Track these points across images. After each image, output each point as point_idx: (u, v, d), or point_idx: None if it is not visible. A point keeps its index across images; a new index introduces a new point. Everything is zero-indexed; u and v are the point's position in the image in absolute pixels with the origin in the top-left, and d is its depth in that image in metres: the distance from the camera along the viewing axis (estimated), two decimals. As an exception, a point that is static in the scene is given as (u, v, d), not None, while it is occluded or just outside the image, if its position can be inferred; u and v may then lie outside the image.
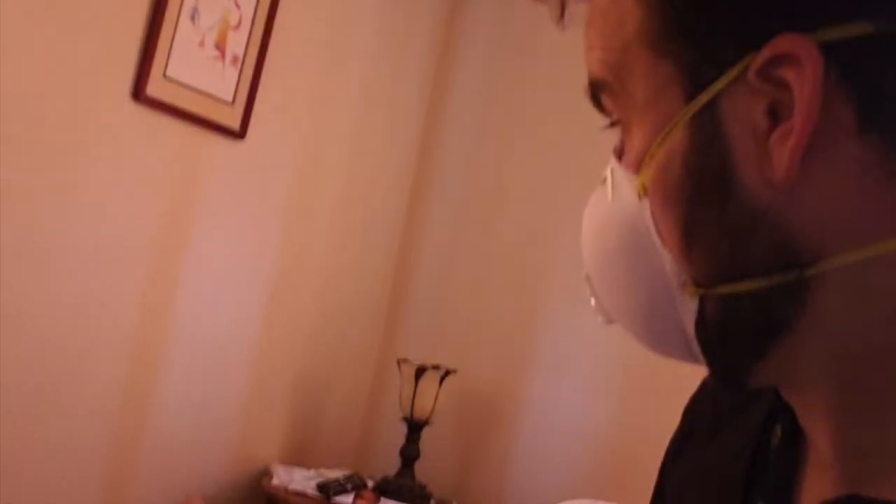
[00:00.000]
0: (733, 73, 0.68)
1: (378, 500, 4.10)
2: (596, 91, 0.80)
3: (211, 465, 4.06)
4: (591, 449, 4.27)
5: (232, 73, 3.83)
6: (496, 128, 4.83)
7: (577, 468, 4.29)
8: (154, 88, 3.54)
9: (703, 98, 0.70)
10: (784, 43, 0.65)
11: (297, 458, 4.52)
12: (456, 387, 4.45)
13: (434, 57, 5.00)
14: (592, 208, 0.85)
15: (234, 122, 3.86)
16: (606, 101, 0.80)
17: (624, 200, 0.78)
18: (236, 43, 3.81)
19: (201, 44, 3.67)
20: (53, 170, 3.30)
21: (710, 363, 0.77)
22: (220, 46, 3.75)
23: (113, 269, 3.52)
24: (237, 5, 3.79)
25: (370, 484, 4.32)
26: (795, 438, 0.78)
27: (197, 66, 3.69)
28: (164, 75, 3.56)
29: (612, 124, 0.82)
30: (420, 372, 4.28)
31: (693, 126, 0.71)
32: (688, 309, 0.75)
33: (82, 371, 3.48)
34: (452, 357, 4.52)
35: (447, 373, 4.34)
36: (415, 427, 4.36)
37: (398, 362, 4.46)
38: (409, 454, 4.37)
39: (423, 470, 4.39)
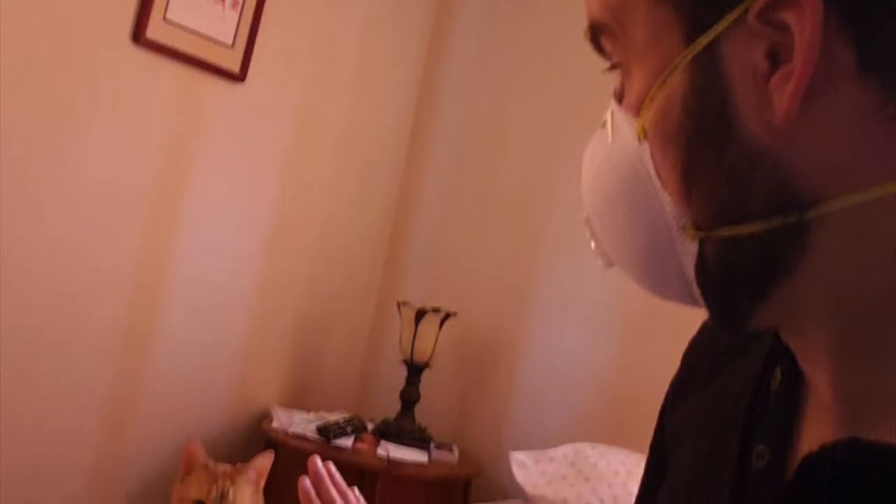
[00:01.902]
0: (733, 15, 0.67)
1: (378, 442, 4.12)
2: (596, 34, 0.79)
3: (211, 408, 4.08)
4: (590, 392, 4.28)
5: (232, 16, 3.81)
6: (497, 70, 4.81)
7: (577, 411, 4.30)
8: (154, 31, 3.53)
9: (703, 41, 0.69)
10: (784, -15, 0.65)
11: (297, 400, 4.53)
12: (456, 330, 4.46)
13: (435, 1, 4.97)
14: (592, 151, 0.85)
15: (234, 65, 3.85)
16: (606, 43, 0.79)
17: (624, 143, 0.78)
18: (236, -15, 3.81)
19: (201, -14, 3.67)
20: (54, 113, 3.29)
21: (710, 306, 0.77)
22: (220, -11, 3.74)
23: (113, 211, 3.52)
24: (235, -54, 3.77)
25: (370, 426, 4.33)
26: (795, 381, 0.78)
27: (197, 8, 3.68)
28: (164, 18, 3.55)
29: (612, 67, 0.82)
30: (420, 315, 4.29)
31: (693, 69, 0.71)
32: (688, 252, 0.75)
33: (82, 313, 3.49)
34: (452, 300, 4.53)
35: (447, 315, 4.34)
36: (415, 370, 4.37)
37: (398, 305, 4.46)
38: (409, 397, 4.39)
39: (423, 412, 4.41)
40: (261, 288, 4.24)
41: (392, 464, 3.96)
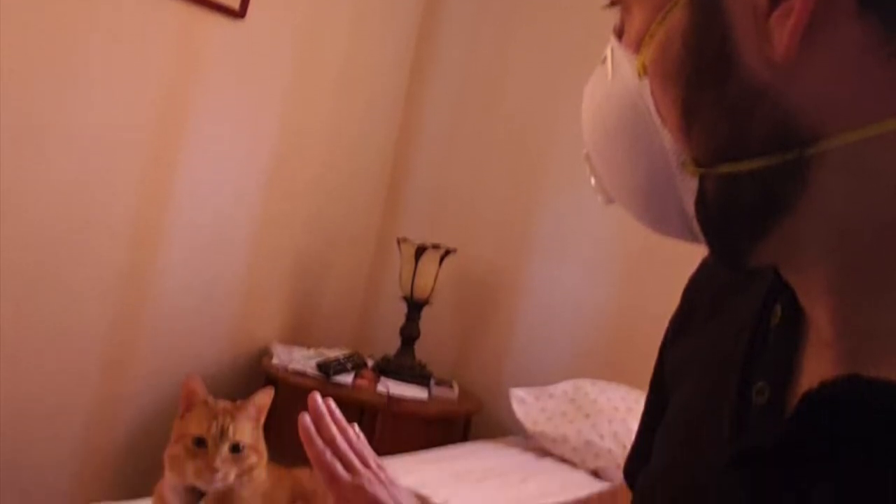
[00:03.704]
0: None
1: (378, 379, 4.14)
2: (596, -30, 0.79)
3: (210, 345, 4.09)
4: (590, 328, 4.29)
5: (232, -50, 3.79)
6: (497, 7, 4.78)
7: (577, 347, 4.31)
8: (152, -34, 3.51)
9: None
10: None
11: (297, 337, 4.55)
12: (456, 266, 4.46)
13: (434, -65, 4.94)
14: (592, 88, 0.85)
15: (234, 1, 3.83)
16: (607, -21, 0.79)
17: (624, 80, 0.78)
18: (234, -81, 3.78)
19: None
20: (53, 51, 3.28)
21: (710, 242, 0.77)
22: (217, -78, 3.72)
23: (112, 149, 3.51)
24: None
25: (370, 363, 4.35)
26: (795, 318, 0.78)
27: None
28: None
29: (612, 4, 0.82)
30: (420, 251, 4.28)
31: (693, 5, 0.71)
32: (688, 188, 0.75)
33: (82, 252, 3.49)
34: (452, 236, 4.53)
35: (447, 252, 4.34)
36: (414, 306, 4.38)
37: (398, 241, 4.46)
38: (409, 333, 4.40)
39: (423, 349, 4.42)
40: (261, 225, 4.24)
41: (392, 400, 3.98)
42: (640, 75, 0.76)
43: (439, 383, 4.30)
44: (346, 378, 4.08)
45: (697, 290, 1.02)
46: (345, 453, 1.33)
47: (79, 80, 3.38)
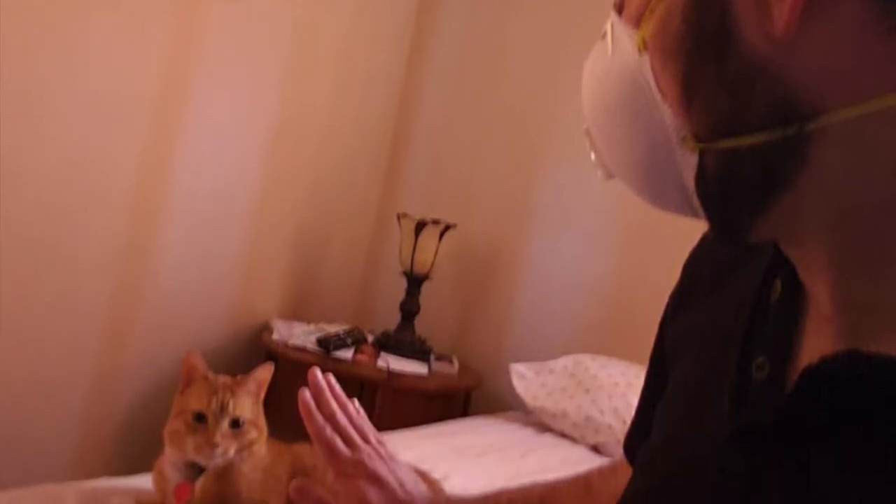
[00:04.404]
0: None
1: (378, 354, 4.14)
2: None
3: (211, 320, 4.09)
4: (590, 303, 4.29)
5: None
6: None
7: (577, 323, 4.32)
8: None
9: None
10: None
11: (297, 312, 4.55)
12: (456, 242, 4.46)
13: None
14: (592, 63, 0.85)
15: (234, -25, 3.82)
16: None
17: (624, 55, 0.78)
18: None
19: None
20: (52, 23, 3.27)
21: (710, 217, 0.77)
22: None
23: (113, 123, 3.51)
24: None
25: (370, 338, 4.35)
26: (795, 293, 0.79)
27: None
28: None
29: (613, -22, 0.81)
30: (420, 226, 4.28)
31: (693, -20, 0.70)
32: (688, 163, 0.75)
33: (82, 225, 3.49)
34: (452, 212, 4.53)
35: (447, 227, 4.34)
36: (414, 281, 4.38)
37: (398, 216, 4.46)
38: (409, 309, 4.40)
39: (423, 324, 4.43)
40: (261, 200, 4.23)
41: (392, 375, 3.98)
42: (640, 50, 0.76)
43: (439, 358, 4.30)
44: (346, 353, 4.09)
45: (698, 265, 1.02)
46: (345, 428, 1.34)
47: (79, 53, 3.37)
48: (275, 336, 4.16)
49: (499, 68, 4.71)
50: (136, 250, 3.72)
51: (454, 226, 4.37)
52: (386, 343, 4.28)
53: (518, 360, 4.16)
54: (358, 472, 1.29)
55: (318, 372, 1.36)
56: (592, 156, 0.87)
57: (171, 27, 3.64)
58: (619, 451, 1.18)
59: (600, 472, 1.26)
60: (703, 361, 0.90)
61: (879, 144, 0.65)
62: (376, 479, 1.29)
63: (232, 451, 2.30)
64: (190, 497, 2.34)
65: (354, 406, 1.39)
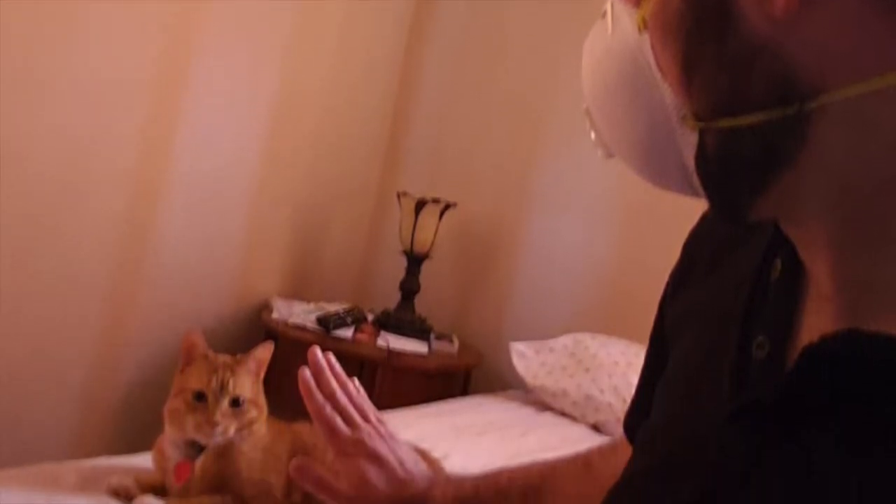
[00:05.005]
0: None
1: (378, 333, 4.14)
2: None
3: (211, 299, 4.09)
4: (590, 282, 4.29)
5: None
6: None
7: (577, 301, 4.32)
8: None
9: None
10: None
11: (297, 291, 4.55)
12: (456, 221, 4.46)
13: None
14: (592, 42, 0.85)
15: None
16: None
17: (624, 34, 0.78)
18: None
19: None
20: (52, 5, 3.26)
21: (710, 196, 0.77)
22: None
23: (113, 101, 3.50)
24: None
25: (370, 317, 4.35)
26: (795, 272, 0.79)
27: None
28: None
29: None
30: (420, 205, 4.28)
31: (693, -41, 0.70)
32: (688, 142, 0.75)
33: (83, 203, 3.49)
34: (452, 191, 4.52)
35: (447, 206, 4.33)
36: (415, 260, 4.38)
37: (398, 195, 4.45)
38: (409, 288, 4.40)
39: (423, 303, 4.43)
40: (261, 179, 4.23)
41: (392, 354, 3.99)
42: (640, 29, 0.76)
43: (439, 337, 4.31)
44: (346, 332, 4.09)
45: (698, 244, 1.02)
46: (345, 407, 1.34)
47: (79, 34, 3.36)
48: (275, 315, 4.16)
49: (499, 48, 4.70)
50: (137, 230, 3.72)
51: (454, 205, 4.37)
52: (386, 322, 4.28)
53: (518, 338, 4.16)
54: (358, 451, 1.29)
55: (318, 351, 1.36)
56: (592, 135, 0.87)
57: (170, 8, 3.63)
58: (619, 430, 1.18)
59: (600, 451, 1.26)
60: (702, 340, 0.90)
61: (879, 123, 0.65)
62: (376, 458, 1.29)
63: (232, 430, 2.31)
64: (190, 476, 2.34)
65: (354, 385, 1.39)
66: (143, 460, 2.55)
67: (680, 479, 0.81)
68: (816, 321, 0.74)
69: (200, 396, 2.30)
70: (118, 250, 3.67)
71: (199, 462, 2.34)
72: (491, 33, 4.73)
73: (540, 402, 3.91)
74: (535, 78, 4.54)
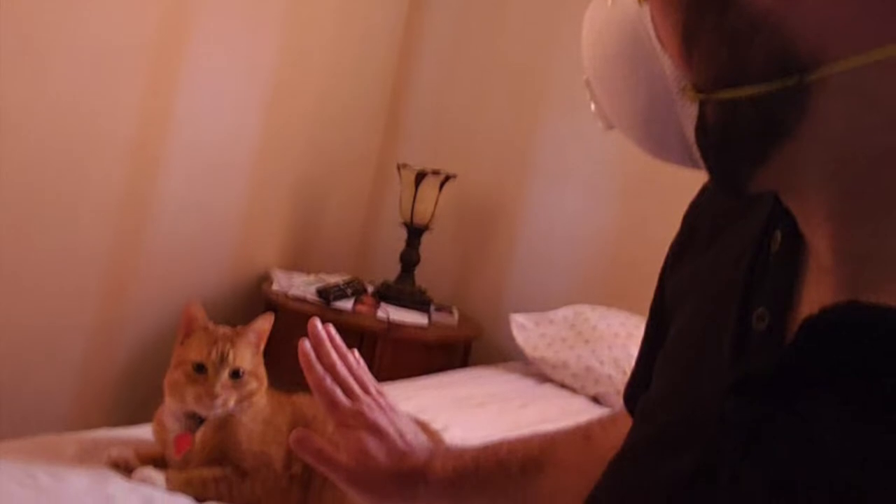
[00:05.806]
0: None
1: (378, 304, 4.15)
2: None
3: (211, 271, 4.09)
4: (590, 254, 4.30)
5: None
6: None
7: (577, 273, 4.32)
8: None
9: None
10: None
11: (297, 263, 4.55)
12: (456, 192, 4.46)
13: None
14: (592, 13, 0.84)
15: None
16: None
17: (624, 5, 0.78)
18: None
19: None
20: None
21: (710, 168, 0.77)
22: None
23: (112, 72, 3.49)
24: None
25: (370, 289, 4.36)
26: (795, 244, 0.78)
27: None
28: None
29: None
30: (420, 177, 4.28)
31: (693, -71, 0.69)
32: (688, 114, 0.74)
33: (82, 174, 3.49)
34: (452, 162, 4.52)
35: (447, 178, 4.33)
36: (414, 232, 4.38)
37: (398, 167, 4.45)
38: (409, 259, 4.40)
39: (423, 275, 4.43)
40: (261, 150, 4.22)
41: (392, 326, 3.99)
42: (640, 1, 0.76)
43: (439, 309, 4.31)
44: (346, 304, 4.09)
45: (698, 216, 1.01)
46: (345, 379, 1.34)
47: (78, 1, 3.35)
48: (275, 287, 4.16)
49: (499, 18, 4.69)
50: (136, 201, 3.72)
51: (454, 176, 4.36)
52: (386, 294, 4.28)
53: (518, 310, 4.17)
54: (358, 423, 1.29)
55: (317, 322, 1.36)
56: (592, 106, 0.87)
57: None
58: (618, 402, 1.18)
59: (600, 423, 1.26)
60: (702, 312, 0.90)
61: (880, 95, 0.65)
62: (376, 430, 1.29)
63: (232, 402, 2.31)
64: (190, 447, 2.35)
65: (354, 357, 1.39)
66: (143, 432, 2.55)
67: (680, 450, 0.81)
68: (816, 293, 0.74)
69: (200, 368, 2.31)
70: (118, 221, 3.67)
71: (199, 434, 2.35)
72: (491, 4, 4.72)
73: (540, 373, 3.92)
74: (536, 49, 4.54)
